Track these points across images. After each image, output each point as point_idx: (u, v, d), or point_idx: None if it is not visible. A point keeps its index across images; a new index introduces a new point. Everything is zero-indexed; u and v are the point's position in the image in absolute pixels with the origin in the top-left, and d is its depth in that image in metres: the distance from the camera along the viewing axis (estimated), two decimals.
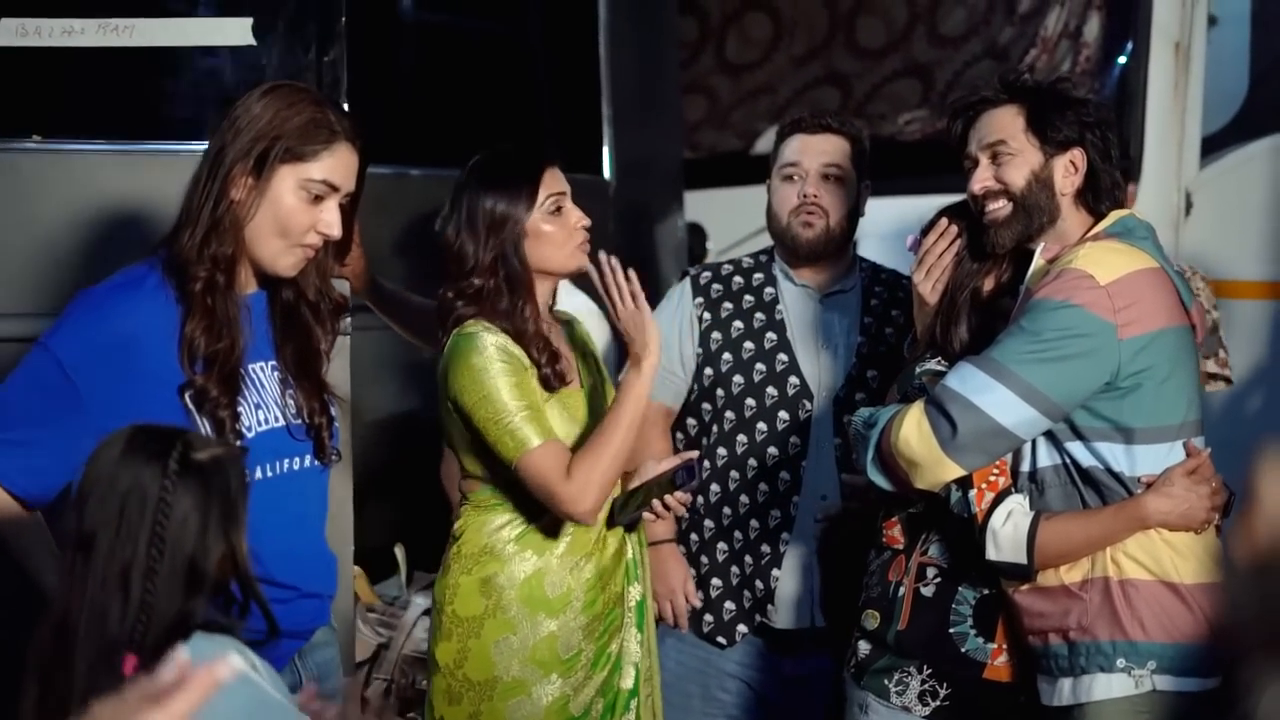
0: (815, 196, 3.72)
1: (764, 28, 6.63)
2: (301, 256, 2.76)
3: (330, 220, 2.74)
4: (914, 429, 2.94)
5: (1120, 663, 2.92)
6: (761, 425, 3.73)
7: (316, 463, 2.85)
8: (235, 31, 3.69)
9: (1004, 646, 3.09)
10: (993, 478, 2.97)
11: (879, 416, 3.04)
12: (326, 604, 2.90)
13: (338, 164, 2.74)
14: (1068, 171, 3.05)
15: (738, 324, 3.78)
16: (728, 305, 3.80)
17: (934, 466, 2.93)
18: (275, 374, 2.80)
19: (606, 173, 5.00)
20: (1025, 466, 3.01)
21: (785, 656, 3.79)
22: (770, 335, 3.77)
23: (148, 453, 2.13)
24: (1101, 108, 3.14)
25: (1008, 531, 2.93)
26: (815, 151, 3.74)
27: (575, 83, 5.10)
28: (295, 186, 2.71)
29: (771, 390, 3.74)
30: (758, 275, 3.84)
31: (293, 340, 2.82)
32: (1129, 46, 5.44)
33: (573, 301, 3.80)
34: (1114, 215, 3.06)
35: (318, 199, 2.73)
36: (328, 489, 2.92)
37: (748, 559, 3.73)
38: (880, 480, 3.04)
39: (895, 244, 3.59)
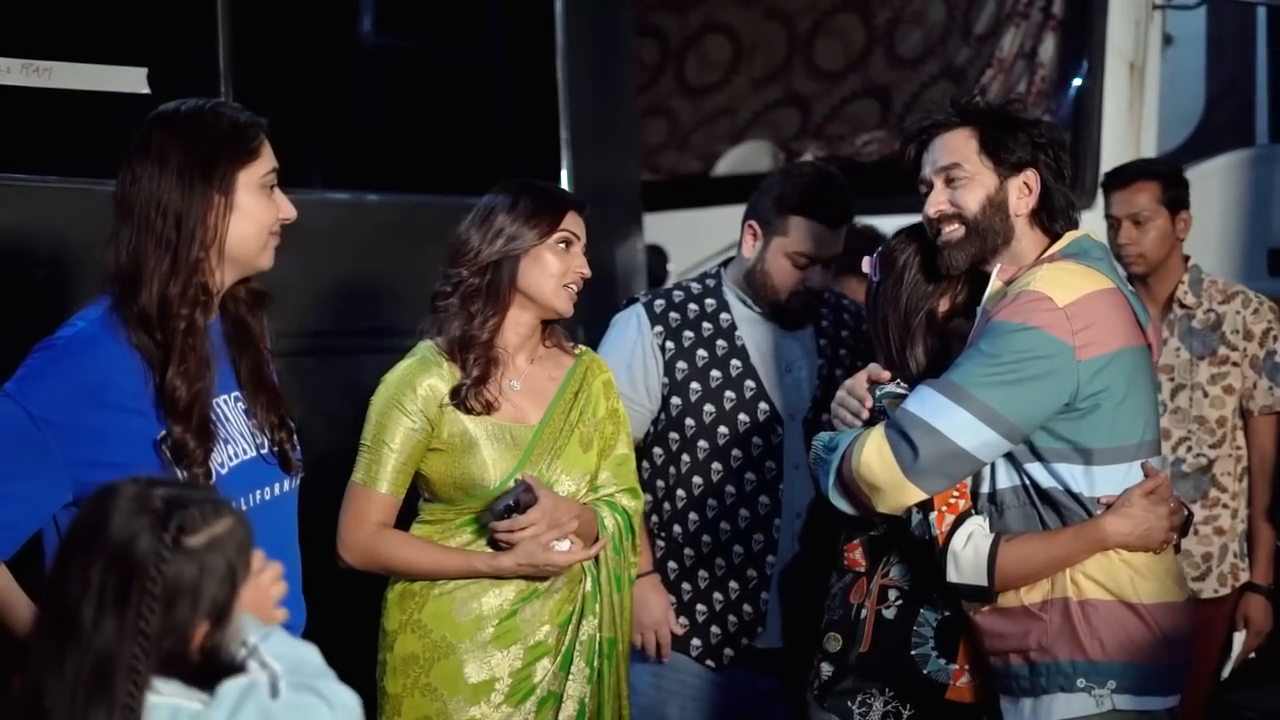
0: (820, 284, 3.78)
1: (723, 50, 6.64)
2: (273, 246, 2.77)
3: (286, 205, 2.77)
4: (875, 454, 2.94)
5: (1081, 682, 2.93)
6: (736, 452, 3.75)
7: (289, 486, 2.84)
8: (131, 79, 3.82)
9: (966, 667, 3.09)
10: (953, 500, 2.97)
11: (839, 440, 3.04)
12: (297, 635, 2.87)
13: (269, 149, 2.75)
14: (1022, 193, 3.06)
15: (701, 352, 3.78)
16: (688, 334, 3.79)
17: (895, 490, 2.94)
18: (239, 405, 2.78)
19: None
20: (985, 488, 3.02)
21: (761, 673, 3.84)
22: (735, 363, 3.79)
23: (139, 524, 2.00)
24: (1053, 128, 3.16)
25: (968, 554, 2.93)
26: (833, 245, 3.76)
27: (533, 106, 5.10)
28: (256, 186, 2.71)
29: (744, 417, 3.76)
30: (710, 301, 3.84)
31: (245, 353, 2.80)
32: (1084, 67, 5.47)
33: None
34: (1069, 236, 3.07)
35: (271, 189, 2.75)
36: (295, 513, 2.91)
37: (733, 584, 3.76)
38: (841, 504, 3.04)
39: (853, 264, 3.61)
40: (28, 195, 3.73)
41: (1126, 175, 4.35)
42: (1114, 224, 4.28)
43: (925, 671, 3.08)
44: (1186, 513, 3.10)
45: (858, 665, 3.11)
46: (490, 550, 3.19)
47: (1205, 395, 4.19)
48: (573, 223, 3.26)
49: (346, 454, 3.40)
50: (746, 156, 6.35)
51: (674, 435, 3.78)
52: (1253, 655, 4.30)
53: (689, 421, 3.77)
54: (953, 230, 3.07)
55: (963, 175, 3.06)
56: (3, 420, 2.59)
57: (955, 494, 2.97)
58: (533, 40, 5.09)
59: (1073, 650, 2.93)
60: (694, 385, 3.77)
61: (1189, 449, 4.21)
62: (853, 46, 6.32)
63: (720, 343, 3.79)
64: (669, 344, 3.78)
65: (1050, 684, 2.95)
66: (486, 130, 5.08)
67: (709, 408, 3.77)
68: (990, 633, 3.01)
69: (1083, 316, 2.89)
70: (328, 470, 3.80)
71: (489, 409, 3.20)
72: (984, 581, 2.93)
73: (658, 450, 3.81)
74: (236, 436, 2.74)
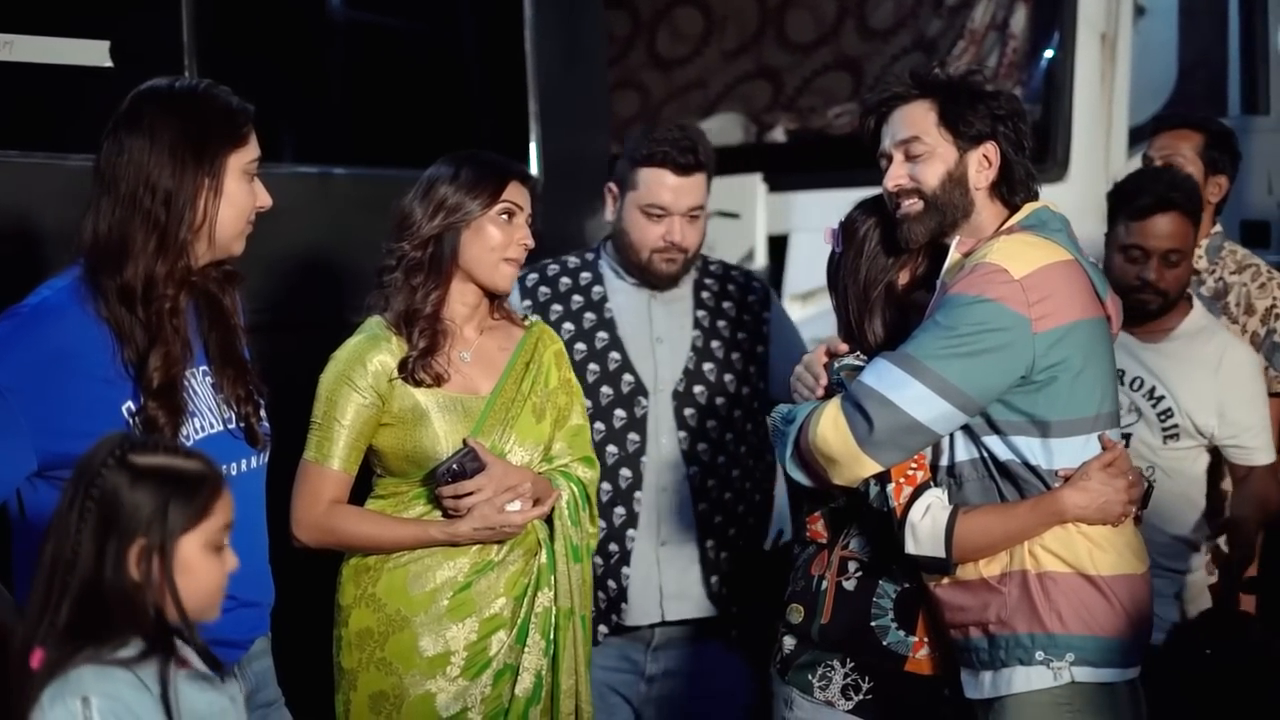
0: (681, 240, 3.72)
1: (695, 22, 6.65)
2: (246, 234, 2.79)
3: (263, 193, 2.78)
4: (831, 426, 2.94)
5: (1039, 655, 2.93)
6: (599, 425, 3.73)
7: (257, 463, 2.84)
8: (94, 53, 3.77)
9: (925, 640, 3.10)
10: (910, 472, 2.97)
11: (796, 413, 3.05)
12: (265, 612, 2.89)
13: (254, 137, 2.76)
14: (981, 166, 3.05)
15: (568, 326, 3.77)
16: (556, 308, 3.79)
17: (851, 463, 2.94)
18: (208, 379, 2.78)
19: (533, 169, 4.99)
20: (944, 461, 3.02)
21: (641, 652, 3.81)
22: (601, 335, 3.78)
23: (103, 446, 2.17)
24: (1013, 99, 3.15)
25: (926, 525, 2.94)
26: (685, 195, 3.71)
27: (501, 79, 5.09)
28: (241, 172, 2.72)
29: (606, 389, 3.75)
30: (585, 274, 3.84)
31: (216, 328, 2.81)
32: (1056, 38, 5.47)
33: None
34: (1028, 208, 3.07)
35: (253, 176, 2.76)
36: (264, 489, 2.91)
37: (597, 559, 3.68)
38: (799, 476, 3.04)
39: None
40: None
41: (1174, 120, 4.33)
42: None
43: (885, 643, 3.09)
44: (1146, 485, 3.10)
45: (819, 637, 3.12)
46: (445, 519, 3.19)
47: None
48: (515, 193, 3.25)
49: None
50: (718, 129, 6.35)
51: None
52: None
53: None
54: (912, 204, 3.06)
55: (922, 149, 3.05)
56: None
57: (913, 466, 2.97)
58: (501, 12, 5.07)
59: (1031, 623, 2.94)
60: None
61: None
62: (824, 19, 6.33)
63: (589, 315, 3.79)
64: (535, 318, 3.74)
65: (1009, 657, 2.95)
66: (455, 103, 5.06)
67: None
68: (949, 605, 3.01)
69: (1039, 288, 2.89)
70: (294, 446, 3.81)
71: (439, 381, 3.20)
72: (942, 553, 2.93)
73: None
74: (204, 410, 2.75)
